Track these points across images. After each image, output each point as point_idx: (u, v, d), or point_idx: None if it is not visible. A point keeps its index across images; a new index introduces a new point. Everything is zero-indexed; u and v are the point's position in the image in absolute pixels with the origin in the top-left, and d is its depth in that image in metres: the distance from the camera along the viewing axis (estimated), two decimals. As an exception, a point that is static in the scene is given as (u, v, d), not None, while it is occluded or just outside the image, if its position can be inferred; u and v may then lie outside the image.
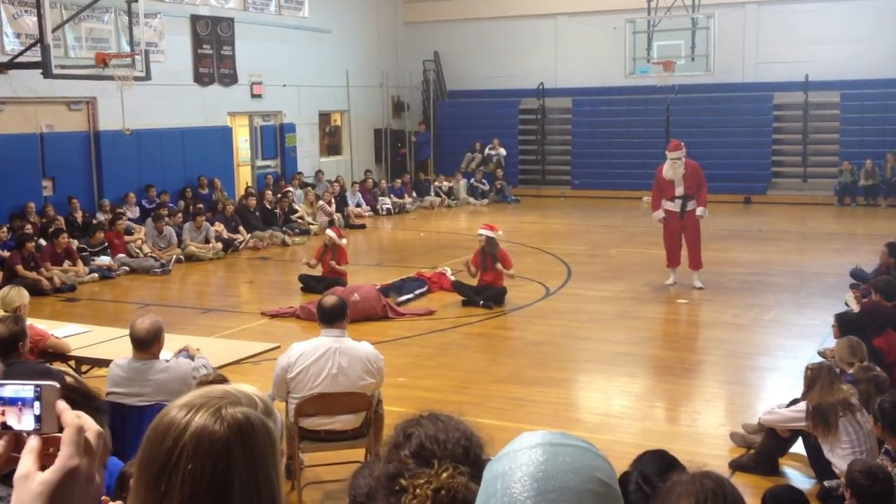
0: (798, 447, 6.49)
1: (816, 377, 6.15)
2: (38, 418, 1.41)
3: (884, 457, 5.42)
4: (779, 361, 9.43)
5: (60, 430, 1.40)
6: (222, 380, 5.42)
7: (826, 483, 5.85)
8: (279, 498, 1.52)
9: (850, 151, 22.11)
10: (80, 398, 2.09)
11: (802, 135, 23.20)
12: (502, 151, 25.12)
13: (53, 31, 13.93)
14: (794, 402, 6.54)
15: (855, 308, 9.43)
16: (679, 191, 12.56)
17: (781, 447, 6.54)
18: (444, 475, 2.07)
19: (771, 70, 23.31)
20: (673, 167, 12.49)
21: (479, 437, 2.23)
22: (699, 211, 12.55)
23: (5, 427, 1.41)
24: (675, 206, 12.62)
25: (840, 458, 5.81)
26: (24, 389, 1.42)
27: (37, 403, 1.41)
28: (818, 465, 6.12)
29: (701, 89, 23.21)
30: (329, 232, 13.52)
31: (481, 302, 11.88)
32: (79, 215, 16.29)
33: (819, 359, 7.96)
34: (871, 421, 5.49)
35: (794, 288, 12.91)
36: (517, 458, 1.44)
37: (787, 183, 23.40)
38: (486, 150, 25.15)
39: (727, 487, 2.46)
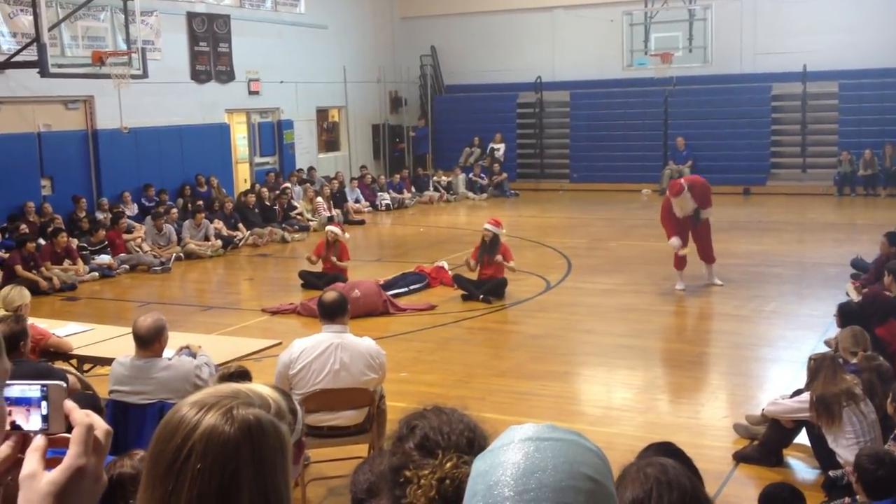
0: (802, 438, 6.48)
1: (819, 367, 6.15)
2: (45, 418, 1.40)
3: (892, 442, 5.42)
4: (781, 352, 9.43)
5: (68, 429, 1.39)
6: (244, 371, 5.42)
7: (831, 473, 5.84)
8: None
9: (849, 141, 22.08)
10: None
11: (801, 125, 23.17)
12: (502, 148, 25.09)
13: (50, 29, 13.91)
14: (798, 392, 6.55)
15: (855, 298, 9.43)
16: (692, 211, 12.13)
17: (785, 438, 6.54)
18: (448, 465, 2.07)
19: (769, 60, 23.27)
20: (681, 206, 11.97)
21: (484, 430, 2.23)
22: (703, 214, 12.07)
23: (14, 427, 1.40)
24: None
25: (844, 448, 5.81)
26: (31, 389, 1.41)
27: (44, 403, 1.40)
28: (822, 455, 6.12)
29: (699, 81, 23.16)
30: (331, 227, 13.50)
31: (481, 296, 11.87)
32: (83, 214, 15.96)
33: (823, 349, 7.96)
34: (889, 401, 5.46)
35: (795, 279, 12.90)
36: (498, 456, 1.35)
37: (787, 173, 23.36)
38: (490, 146, 25.12)
39: (671, 473, 2.49)
